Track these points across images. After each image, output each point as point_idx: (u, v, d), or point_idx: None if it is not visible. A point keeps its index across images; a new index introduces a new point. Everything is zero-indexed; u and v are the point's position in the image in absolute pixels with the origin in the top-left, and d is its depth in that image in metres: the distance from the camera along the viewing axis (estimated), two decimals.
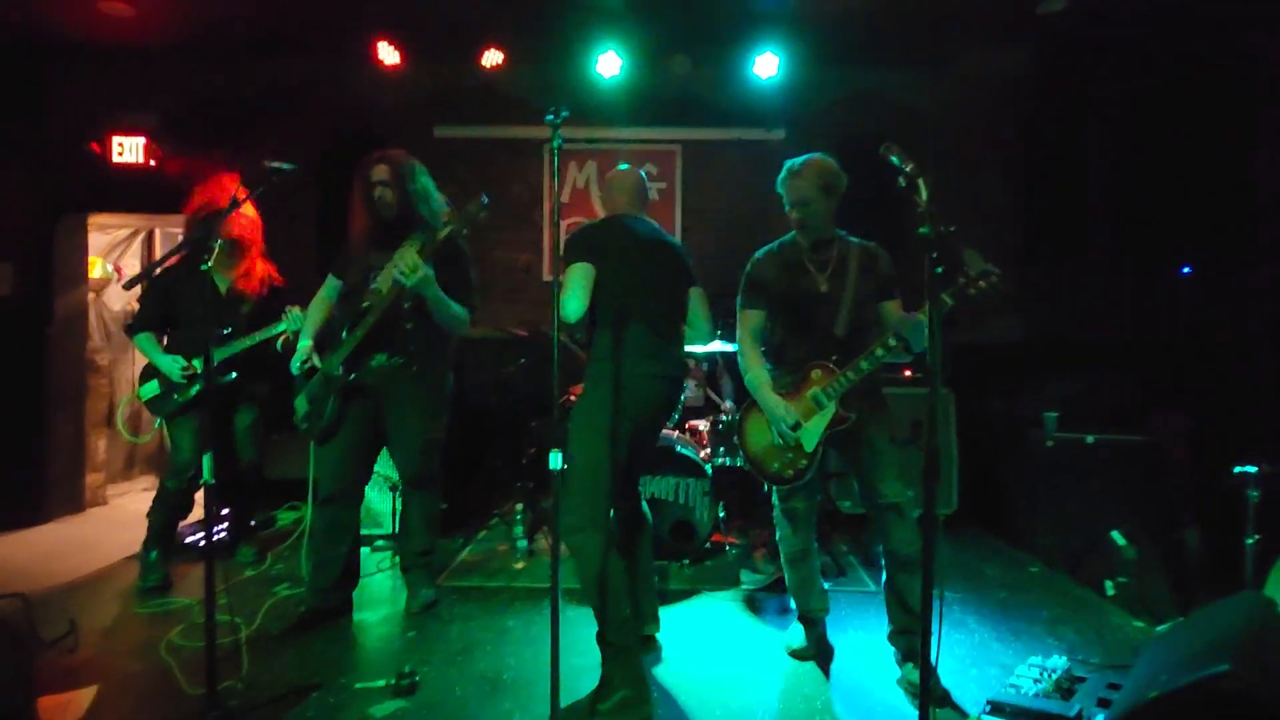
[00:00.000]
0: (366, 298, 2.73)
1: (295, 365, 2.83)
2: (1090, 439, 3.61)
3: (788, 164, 2.48)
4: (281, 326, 3.18)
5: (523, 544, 3.71)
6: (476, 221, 2.63)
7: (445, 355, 2.98)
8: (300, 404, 2.84)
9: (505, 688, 2.41)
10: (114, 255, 5.58)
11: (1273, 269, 3.32)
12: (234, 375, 3.31)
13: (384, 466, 3.35)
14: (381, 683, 2.38)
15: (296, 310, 3.12)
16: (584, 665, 2.45)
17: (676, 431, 3.82)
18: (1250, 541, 2.65)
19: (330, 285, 2.96)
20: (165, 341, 3.37)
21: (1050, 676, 2.28)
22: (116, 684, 2.41)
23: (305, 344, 2.85)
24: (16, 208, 4.54)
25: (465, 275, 2.88)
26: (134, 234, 5.64)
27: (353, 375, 2.78)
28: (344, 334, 2.78)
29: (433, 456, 2.98)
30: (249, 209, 3.31)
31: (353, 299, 2.82)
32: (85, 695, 2.30)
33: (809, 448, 2.40)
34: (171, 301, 3.33)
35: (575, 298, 2.38)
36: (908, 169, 1.77)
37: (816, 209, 2.43)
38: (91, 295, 5.13)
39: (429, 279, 2.63)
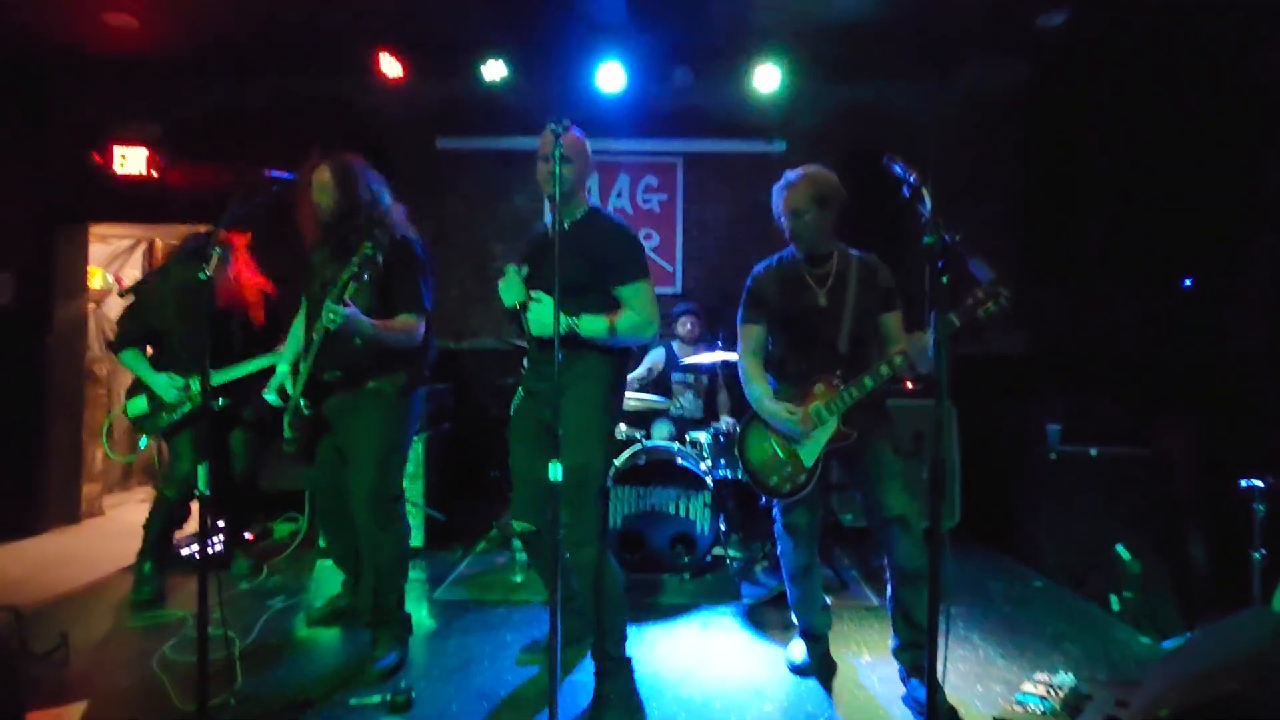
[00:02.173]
0: (315, 329, 2.54)
1: (269, 394, 2.74)
2: (1093, 452, 3.59)
3: (785, 175, 2.46)
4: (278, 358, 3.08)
5: (521, 557, 3.67)
6: (374, 265, 2.44)
7: (403, 362, 2.66)
8: (286, 429, 2.67)
9: (503, 704, 2.36)
10: (114, 266, 5.59)
11: (1275, 278, 3.31)
12: (224, 401, 3.26)
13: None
14: (376, 698, 2.34)
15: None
16: (582, 681, 2.42)
17: (677, 443, 3.79)
18: (1257, 556, 2.62)
19: (304, 305, 2.80)
20: (152, 357, 3.29)
21: (1057, 693, 2.24)
22: (107, 698, 2.37)
23: (283, 368, 2.74)
24: (17, 217, 4.54)
25: (410, 283, 2.63)
26: (135, 245, 5.66)
27: (308, 410, 2.63)
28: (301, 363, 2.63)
29: (389, 477, 2.64)
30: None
31: (311, 318, 2.66)
32: (75, 710, 2.26)
33: (808, 462, 2.37)
34: (159, 316, 3.24)
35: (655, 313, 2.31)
36: (911, 178, 1.76)
37: (808, 220, 2.38)
38: (91, 305, 5.13)
39: (356, 320, 2.42)
